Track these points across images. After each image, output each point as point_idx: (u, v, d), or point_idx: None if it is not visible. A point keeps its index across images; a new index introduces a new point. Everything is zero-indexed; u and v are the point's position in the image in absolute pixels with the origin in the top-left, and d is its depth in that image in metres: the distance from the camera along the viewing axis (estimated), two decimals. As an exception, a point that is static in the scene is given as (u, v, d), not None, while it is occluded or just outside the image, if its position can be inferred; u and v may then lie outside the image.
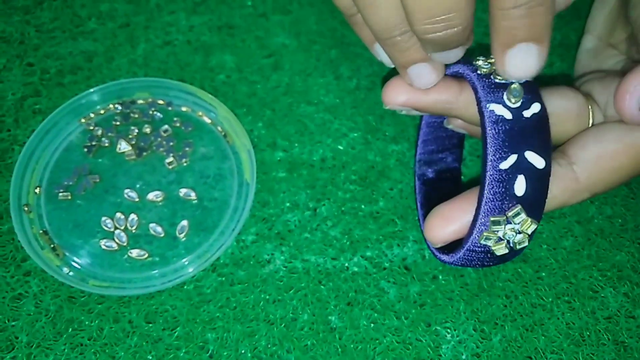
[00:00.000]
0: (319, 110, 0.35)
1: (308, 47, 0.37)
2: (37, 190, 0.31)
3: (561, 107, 0.26)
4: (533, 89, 0.23)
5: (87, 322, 0.29)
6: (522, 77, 0.22)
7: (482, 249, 0.24)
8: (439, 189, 0.32)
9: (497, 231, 0.23)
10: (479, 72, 0.24)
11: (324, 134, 0.34)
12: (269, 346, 0.28)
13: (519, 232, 0.23)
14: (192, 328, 0.29)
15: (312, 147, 0.34)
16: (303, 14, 0.38)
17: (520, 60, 0.21)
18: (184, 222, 0.31)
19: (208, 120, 0.34)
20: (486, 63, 0.24)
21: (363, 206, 0.32)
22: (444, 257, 0.25)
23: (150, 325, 0.29)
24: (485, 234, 0.23)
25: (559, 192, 0.24)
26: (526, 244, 0.23)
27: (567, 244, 0.32)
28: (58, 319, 0.29)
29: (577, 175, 0.24)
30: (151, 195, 0.31)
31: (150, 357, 0.28)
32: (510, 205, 0.22)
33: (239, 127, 0.33)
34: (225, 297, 0.30)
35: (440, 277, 0.30)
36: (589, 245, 0.32)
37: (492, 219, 0.23)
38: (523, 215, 0.22)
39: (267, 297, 0.30)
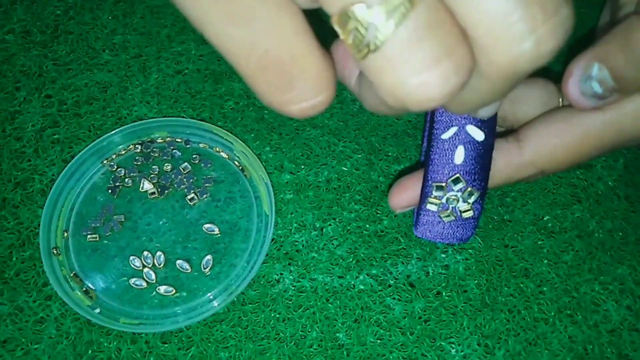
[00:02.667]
0: (324, 133, 0.36)
1: (312, 72, 0.39)
2: (65, 234, 0.33)
3: (523, 90, 0.28)
4: None
5: (105, 344, 0.30)
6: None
7: (433, 217, 0.27)
8: None
9: (441, 197, 0.26)
10: None
11: (329, 156, 0.36)
12: (280, 364, 0.29)
13: (464, 201, 0.26)
14: (205, 347, 0.30)
15: (318, 169, 0.35)
16: (307, 40, 0.40)
17: None
18: (209, 257, 0.32)
19: (225, 156, 0.36)
20: None
21: (368, 225, 0.33)
22: (415, 231, 0.29)
23: (166, 345, 0.30)
24: (429, 199, 0.26)
25: (503, 165, 0.27)
26: (472, 213, 0.26)
27: (568, 258, 0.32)
28: (78, 341, 0.30)
29: (523, 150, 0.26)
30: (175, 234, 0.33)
31: (166, 376, 0.29)
32: (452, 173, 0.25)
33: (255, 160, 0.34)
34: (237, 317, 0.31)
35: (444, 293, 0.31)
36: (590, 259, 0.32)
37: (434, 184, 0.26)
38: (463, 184, 0.25)
39: (277, 315, 0.31)
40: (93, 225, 0.33)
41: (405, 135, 0.36)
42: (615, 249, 0.33)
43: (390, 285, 0.32)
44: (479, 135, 0.25)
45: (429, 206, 0.26)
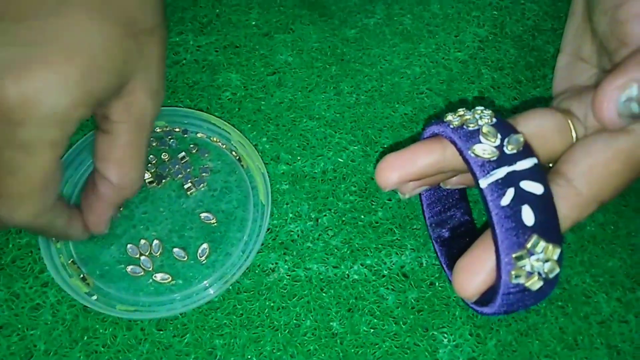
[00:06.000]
0: (321, 124, 0.37)
1: (310, 64, 0.39)
2: None
3: (539, 126, 0.26)
4: (505, 125, 0.24)
5: (101, 330, 0.30)
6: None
7: (517, 289, 0.23)
8: (458, 245, 0.32)
9: (524, 266, 0.23)
10: (451, 126, 0.25)
11: (325, 148, 0.36)
12: (274, 351, 0.30)
13: (546, 261, 0.23)
14: (200, 334, 0.30)
15: (314, 160, 0.35)
16: (305, 32, 0.40)
17: None
18: (205, 245, 0.32)
19: (223, 146, 0.36)
20: (455, 117, 0.25)
21: (362, 216, 0.34)
22: (486, 310, 0.25)
23: (161, 332, 0.30)
24: (513, 272, 0.23)
25: (568, 211, 0.25)
26: (557, 270, 0.23)
27: (560, 250, 0.33)
28: (74, 328, 0.30)
29: (579, 190, 0.25)
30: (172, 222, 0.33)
31: (161, 363, 0.29)
32: (526, 236, 0.23)
33: (252, 150, 0.35)
34: (232, 305, 0.31)
35: (437, 283, 0.32)
36: (581, 252, 0.33)
37: (514, 255, 0.23)
38: (542, 243, 0.23)
39: (272, 304, 0.31)
40: (90, 213, 0.33)
41: (401, 127, 0.36)
42: (606, 242, 0.33)
43: (384, 276, 0.32)
44: (537, 188, 0.23)
45: (514, 280, 0.23)
